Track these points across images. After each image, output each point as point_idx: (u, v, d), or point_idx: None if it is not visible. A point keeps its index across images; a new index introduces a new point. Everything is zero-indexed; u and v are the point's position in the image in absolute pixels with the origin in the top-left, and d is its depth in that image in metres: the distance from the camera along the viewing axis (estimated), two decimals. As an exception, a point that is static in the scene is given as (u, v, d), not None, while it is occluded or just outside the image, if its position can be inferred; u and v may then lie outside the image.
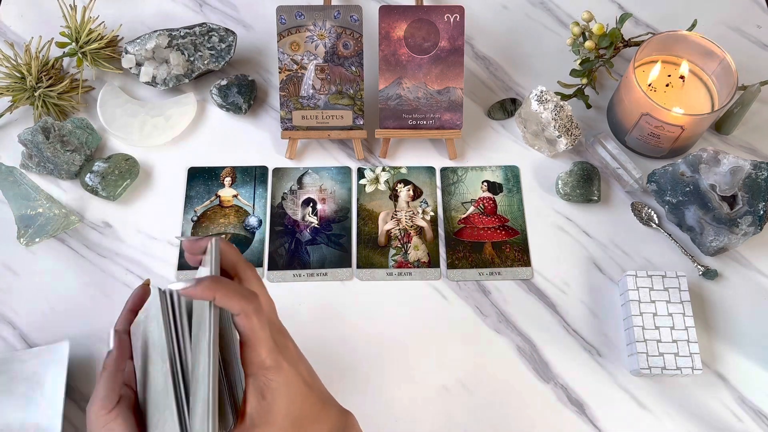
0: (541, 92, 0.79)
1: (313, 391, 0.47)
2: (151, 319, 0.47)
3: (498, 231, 0.78)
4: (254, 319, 0.44)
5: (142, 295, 0.50)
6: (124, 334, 0.49)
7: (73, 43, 0.84)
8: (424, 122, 0.81)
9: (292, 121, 0.81)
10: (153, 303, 0.46)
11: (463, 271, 0.76)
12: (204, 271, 0.46)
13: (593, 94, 0.87)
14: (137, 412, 0.48)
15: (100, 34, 0.84)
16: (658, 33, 0.80)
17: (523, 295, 0.75)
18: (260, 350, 0.44)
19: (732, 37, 0.92)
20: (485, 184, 0.81)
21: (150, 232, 0.78)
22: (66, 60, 0.88)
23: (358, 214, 0.80)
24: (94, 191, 0.78)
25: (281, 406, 0.44)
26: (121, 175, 0.78)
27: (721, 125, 0.84)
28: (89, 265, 0.76)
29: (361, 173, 0.82)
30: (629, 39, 0.85)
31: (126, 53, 0.84)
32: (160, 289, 0.47)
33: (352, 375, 0.71)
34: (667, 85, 0.80)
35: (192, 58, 0.84)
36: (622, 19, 0.82)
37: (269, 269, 0.76)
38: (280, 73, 0.80)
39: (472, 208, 0.80)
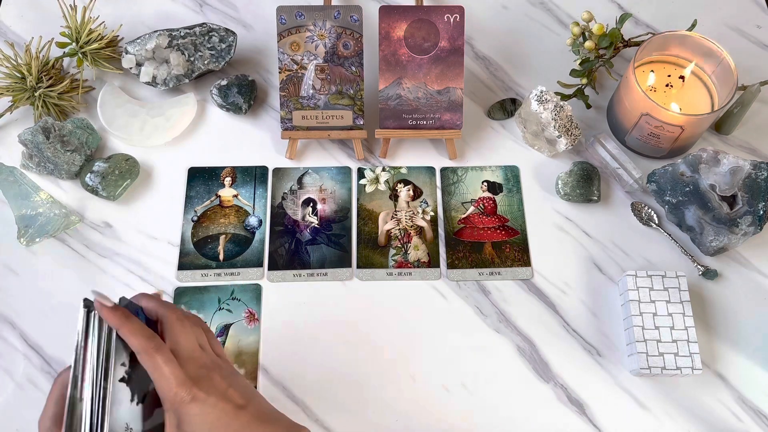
0: (541, 92, 0.79)
1: (245, 413, 0.48)
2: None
3: (498, 231, 0.78)
4: (156, 357, 0.46)
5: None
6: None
7: (74, 43, 0.84)
8: (424, 122, 0.81)
9: (292, 121, 0.81)
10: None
11: (463, 271, 0.76)
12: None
13: (593, 94, 0.87)
14: None
15: (100, 34, 0.84)
16: (658, 33, 0.80)
17: (523, 295, 0.75)
18: (166, 385, 0.45)
19: (732, 37, 0.92)
20: (485, 184, 0.81)
21: (150, 232, 0.78)
22: (66, 60, 0.88)
23: (358, 214, 0.80)
24: (94, 191, 0.78)
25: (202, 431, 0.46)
26: (121, 175, 0.78)
27: (721, 125, 0.84)
28: (89, 265, 0.76)
29: (361, 173, 0.82)
30: (629, 39, 0.85)
31: (126, 53, 0.84)
32: (120, 299, 0.50)
33: (352, 375, 0.71)
34: (667, 85, 0.80)
35: (192, 58, 0.84)
36: (622, 19, 0.82)
37: (269, 269, 0.76)
38: (280, 73, 0.80)
39: (472, 208, 0.80)
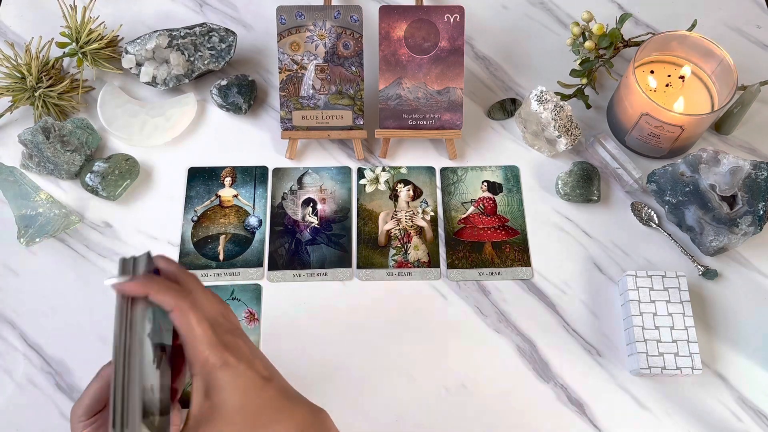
0: (541, 92, 0.79)
1: (271, 386, 0.46)
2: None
3: (498, 231, 0.78)
4: (190, 315, 0.44)
5: None
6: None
7: (74, 43, 0.84)
8: (424, 122, 0.81)
9: (292, 121, 0.81)
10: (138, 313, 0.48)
11: (463, 271, 0.76)
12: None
13: (593, 94, 0.87)
14: None
15: (100, 34, 0.84)
16: (658, 33, 0.80)
17: (523, 295, 0.75)
18: (199, 346, 0.43)
19: (732, 37, 0.92)
20: (485, 184, 0.81)
21: (150, 232, 0.78)
22: (66, 60, 0.88)
23: (358, 214, 0.80)
24: (94, 191, 0.78)
25: (233, 401, 0.44)
26: (121, 175, 0.78)
27: (721, 125, 0.84)
28: (89, 265, 0.76)
29: (361, 173, 0.82)
30: (629, 39, 0.85)
31: (126, 53, 0.84)
32: (123, 258, 0.49)
33: (351, 375, 0.71)
34: (667, 85, 0.80)
35: (192, 58, 0.84)
36: (622, 19, 0.82)
37: (269, 269, 0.76)
38: (280, 73, 0.80)
39: (472, 208, 0.80)
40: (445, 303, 0.75)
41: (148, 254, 0.49)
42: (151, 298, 0.44)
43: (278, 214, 0.79)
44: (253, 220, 0.79)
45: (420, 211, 0.80)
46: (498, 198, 0.80)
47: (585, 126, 0.85)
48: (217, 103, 0.85)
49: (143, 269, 0.47)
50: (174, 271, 0.48)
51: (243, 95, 0.84)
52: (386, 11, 0.79)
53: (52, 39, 0.85)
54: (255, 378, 0.45)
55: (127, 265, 0.48)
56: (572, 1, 0.94)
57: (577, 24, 0.82)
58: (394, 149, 0.84)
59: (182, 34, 0.84)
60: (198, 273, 0.75)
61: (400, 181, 0.81)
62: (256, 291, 0.75)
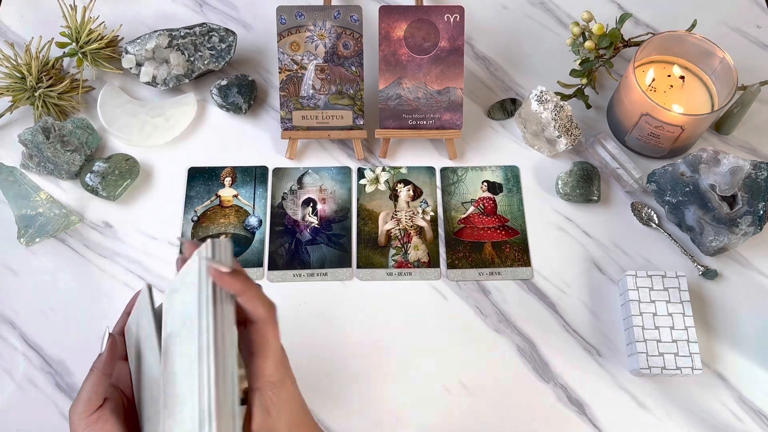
0: (541, 92, 0.79)
1: (309, 412, 0.47)
2: (142, 314, 0.47)
3: (498, 231, 0.78)
4: (272, 329, 0.43)
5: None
6: (118, 335, 0.49)
7: (73, 43, 0.84)
8: (424, 122, 0.81)
9: (292, 121, 0.81)
10: (144, 299, 0.47)
11: (463, 271, 0.76)
12: (193, 270, 0.43)
13: (593, 94, 0.87)
14: (130, 412, 0.48)
15: (100, 34, 0.84)
16: (658, 33, 0.80)
17: (523, 295, 0.75)
18: (270, 362, 0.43)
19: (732, 37, 0.92)
20: (485, 184, 0.81)
21: (150, 232, 0.78)
22: (66, 60, 0.88)
23: (358, 214, 0.80)
24: (94, 191, 0.78)
25: (286, 420, 0.44)
26: (121, 175, 0.78)
27: (721, 125, 0.84)
28: (89, 265, 0.76)
29: (361, 173, 0.82)
30: (629, 39, 0.85)
31: (126, 53, 0.84)
32: (149, 285, 0.47)
33: (352, 375, 0.71)
34: (667, 85, 0.80)
35: (192, 58, 0.84)
36: (622, 19, 0.82)
37: (269, 269, 0.76)
38: (280, 73, 0.80)
39: (472, 208, 0.80)
40: (445, 303, 0.75)
41: (226, 241, 0.45)
42: (241, 301, 0.42)
43: (278, 214, 0.79)
44: (253, 220, 0.79)
45: (420, 211, 0.80)
46: (498, 198, 0.80)
47: (585, 126, 0.85)
48: (217, 103, 0.85)
49: (230, 261, 0.43)
50: (229, 282, 0.44)
51: (243, 95, 0.84)
52: (386, 11, 0.79)
53: (52, 39, 0.85)
54: (301, 400, 0.46)
55: (217, 250, 0.43)
56: (572, 1, 0.94)
57: (577, 24, 0.82)
58: (394, 149, 0.84)
59: (182, 34, 0.84)
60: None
61: (400, 181, 0.81)
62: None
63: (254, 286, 0.43)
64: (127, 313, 0.50)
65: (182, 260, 0.46)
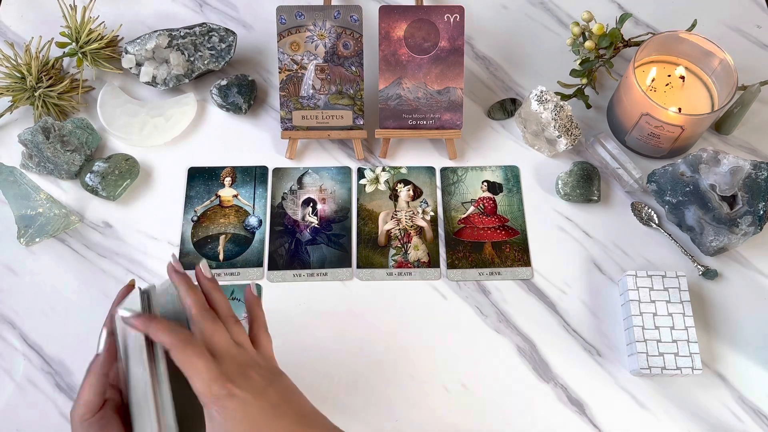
0: (541, 92, 0.79)
1: (285, 415, 0.47)
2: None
3: (498, 231, 0.78)
4: (187, 351, 0.45)
5: (126, 294, 0.51)
6: (111, 336, 0.49)
7: (73, 43, 0.84)
8: (424, 122, 0.81)
9: (292, 121, 0.81)
10: (133, 303, 0.48)
11: (463, 271, 0.76)
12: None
13: (593, 94, 0.87)
14: (125, 412, 0.48)
15: (100, 34, 0.84)
16: (658, 33, 0.80)
17: (523, 295, 0.75)
18: (195, 382, 0.44)
19: (732, 37, 0.92)
20: (485, 184, 0.81)
21: (150, 232, 0.78)
22: (66, 60, 0.88)
23: (358, 214, 0.80)
24: (94, 191, 0.78)
25: (243, 430, 0.44)
26: (121, 175, 0.78)
27: (721, 125, 0.84)
28: (89, 265, 0.76)
29: (361, 173, 0.82)
30: (629, 39, 0.85)
31: (126, 53, 0.84)
32: (140, 289, 0.48)
33: (352, 375, 0.71)
34: (667, 85, 0.80)
35: (192, 58, 0.84)
36: (622, 19, 0.82)
37: (269, 269, 0.76)
38: (280, 73, 0.80)
39: (472, 208, 0.80)
40: (445, 303, 0.75)
41: (172, 282, 0.51)
42: (152, 338, 0.46)
43: (278, 214, 0.79)
44: (253, 220, 0.79)
45: (420, 211, 0.80)
46: (498, 198, 0.80)
47: (585, 126, 0.85)
48: (217, 103, 0.85)
49: (137, 306, 0.49)
50: (182, 295, 0.50)
51: (243, 95, 0.84)
52: (386, 11, 0.79)
53: (52, 39, 0.85)
54: (265, 408, 0.46)
55: (143, 298, 0.50)
56: (572, 1, 0.94)
57: (577, 24, 0.82)
58: (394, 149, 0.84)
59: (182, 34, 0.84)
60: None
61: (400, 181, 0.81)
62: (256, 291, 0.74)
63: (154, 323, 0.46)
64: (114, 312, 0.51)
65: (171, 268, 0.51)
